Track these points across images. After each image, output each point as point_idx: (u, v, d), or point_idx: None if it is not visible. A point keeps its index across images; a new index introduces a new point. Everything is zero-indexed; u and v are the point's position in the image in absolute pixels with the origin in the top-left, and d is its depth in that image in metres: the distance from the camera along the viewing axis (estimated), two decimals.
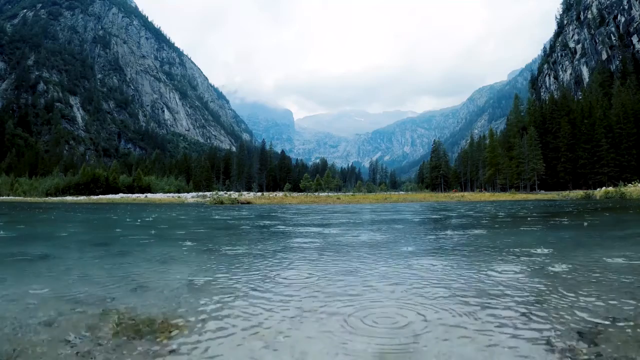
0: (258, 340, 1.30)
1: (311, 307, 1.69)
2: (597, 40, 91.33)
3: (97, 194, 47.04)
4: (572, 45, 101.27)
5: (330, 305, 1.72)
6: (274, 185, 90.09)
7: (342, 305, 1.71)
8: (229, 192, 41.44)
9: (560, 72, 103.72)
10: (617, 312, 1.54)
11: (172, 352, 1.21)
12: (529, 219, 7.76)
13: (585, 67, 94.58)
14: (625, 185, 26.20)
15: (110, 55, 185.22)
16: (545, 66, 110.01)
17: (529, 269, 2.47)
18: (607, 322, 1.43)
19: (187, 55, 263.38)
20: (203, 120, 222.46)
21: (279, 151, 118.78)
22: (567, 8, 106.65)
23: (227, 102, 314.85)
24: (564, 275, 2.27)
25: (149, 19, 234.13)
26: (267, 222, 7.62)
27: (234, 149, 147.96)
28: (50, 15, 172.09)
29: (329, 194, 50.41)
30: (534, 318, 1.49)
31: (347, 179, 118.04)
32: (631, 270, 2.41)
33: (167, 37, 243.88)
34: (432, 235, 5.07)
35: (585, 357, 1.13)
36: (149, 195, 42.25)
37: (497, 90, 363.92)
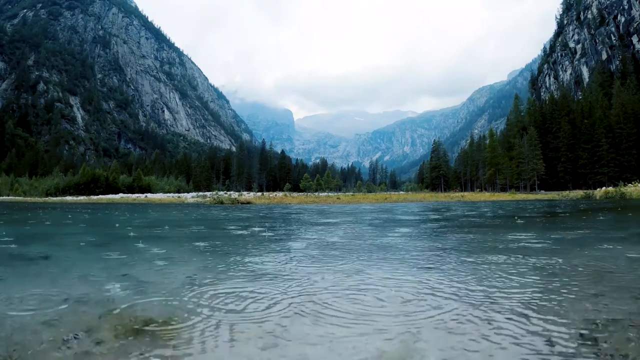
0: (258, 340, 1.30)
1: (313, 307, 1.68)
2: (597, 40, 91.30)
3: (97, 194, 47.01)
4: (572, 45, 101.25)
5: (333, 305, 1.72)
6: (274, 185, 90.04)
7: (344, 305, 1.71)
8: (229, 192, 41.43)
9: (560, 72, 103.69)
10: (617, 312, 1.54)
11: (172, 352, 1.21)
12: (529, 219, 7.76)
13: (585, 67, 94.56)
14: (625, 185, 26.15)
15: (110, 55, 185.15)
16: (545, 66, 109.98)
17: (528, 269, 2.48)
18: (607, 322, 1.42)
19: (187, 55, 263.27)
20: (203, 120, 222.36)
21: (279, 151, 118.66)
22: (567, 8, 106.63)
23: (227, 102, 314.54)
24: (563, 275, 2.27)
25: (149, 19, 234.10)
26: (267, 222, 7.62)
27: (234, 149, 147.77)
28: (50, 15, 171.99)
29: (329, 194, 50.40)
30: (534, 318, 1.49)
31: (347, 179, 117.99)
32: (631, 269, 2.42)
33: (167, 37, 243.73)
34: (432, 235, 5.07)
35: (586, 357, 1.13)
36: (149, 195, 42.23)
37: (497, 90, 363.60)
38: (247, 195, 30.55)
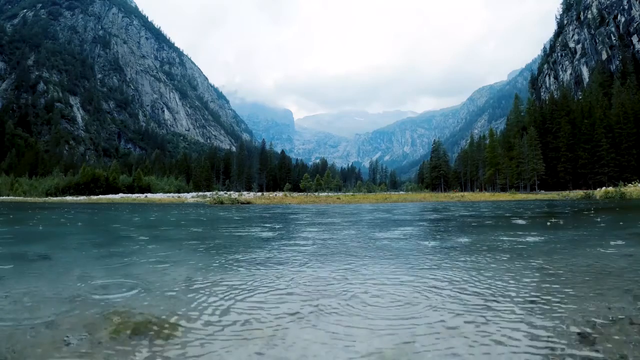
0: (258, 340, 1.31)
1: (312, 307, 1.69)
2: (597, 40, 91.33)
3: (97, 194, 47.04)
4: (572, 45, 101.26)
5: (331, 304, 1.72)
6: (274, 185, 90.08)
7: (342, 305, 1.71)
8: (229, 192, 41.46)
9: (560, 72, 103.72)
10: (617, 312, 1.53)
11: (171, 352, 1.21)
12: (528, 219, 7.75)
13: (585, 67, 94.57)
14: (625, 185, 26.14)
15: (110, 55, 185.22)
16: (545, 66, 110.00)
17: (528, 269, 2.48)
18: (607, 322, 1.42)
19: (187, 55, 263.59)
20: (203, 120, 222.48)
21: (279, 151, 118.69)
22: (567, 8, 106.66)
23: (227, 102, 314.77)
24: (563, 275, 2.27)
25: (149, 19, 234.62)
26: (267, 222, 7.62)
27: (234, 149, 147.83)
28: (50, 15, 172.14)
29: (329, 194, 50.42)
30: (533, 318, 1.48)
31: (347, 179, 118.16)
32: (631, 269, 2.42)
33: (167, 37, 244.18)
34: (431, 235, 5.07)
35: (586, 357, 1.13)
36: (149, 195, 42.26)
37: (497, 90, 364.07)
38: (247, 195, 30.56)
